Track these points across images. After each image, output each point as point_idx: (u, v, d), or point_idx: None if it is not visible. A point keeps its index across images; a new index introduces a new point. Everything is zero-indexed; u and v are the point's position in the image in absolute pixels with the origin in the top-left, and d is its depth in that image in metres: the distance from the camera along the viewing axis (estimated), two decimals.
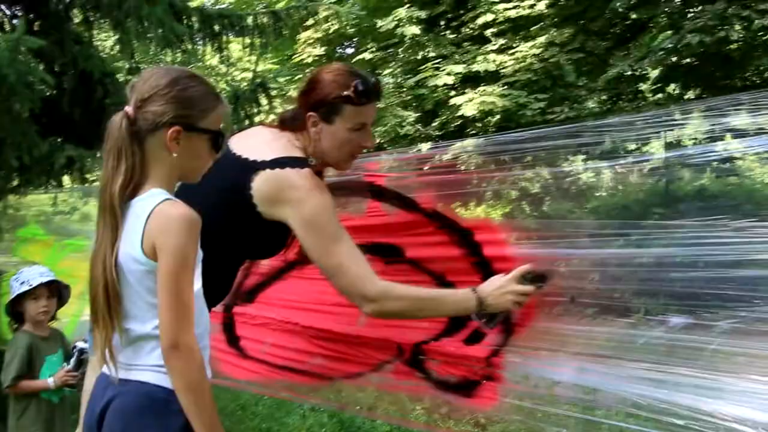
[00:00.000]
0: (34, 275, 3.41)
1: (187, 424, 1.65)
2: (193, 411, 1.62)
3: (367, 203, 2.77)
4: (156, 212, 1.65)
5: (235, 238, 2.28)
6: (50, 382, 3.30)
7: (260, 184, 2.19)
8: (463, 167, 3.65)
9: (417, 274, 2.66)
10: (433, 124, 13.37)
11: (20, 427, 3.31)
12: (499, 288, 2.18)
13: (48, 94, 5.52)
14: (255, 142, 2.33)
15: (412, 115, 13.57)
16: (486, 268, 2.48)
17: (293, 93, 17.75)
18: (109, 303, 1.65)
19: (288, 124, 2.36)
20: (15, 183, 5.31)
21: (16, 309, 3.46)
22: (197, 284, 1.74)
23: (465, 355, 2.50)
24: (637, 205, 12.35)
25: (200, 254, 1.75)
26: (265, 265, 2.98)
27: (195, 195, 2.36)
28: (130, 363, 1.70)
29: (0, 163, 4.70)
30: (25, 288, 3.36)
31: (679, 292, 2.27)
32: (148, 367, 1.68)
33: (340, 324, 2.78)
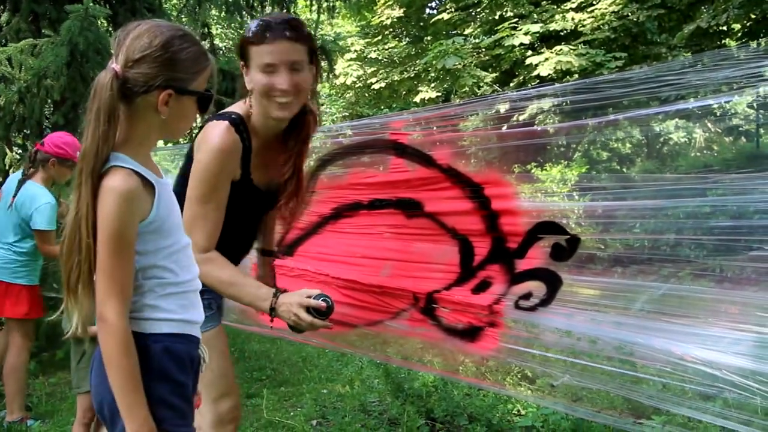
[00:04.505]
0: None
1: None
2: (112, 382, 1.57)
3: (390, 160, 2.89)
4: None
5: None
6: None
7: None
8: (539, 127, 3.66)
9: (434, 228, 2.77)
10: (510, 85, 13.23)
11: (79, 369, 3.49)
12: (292, 305, 2.21)
13: None
14: None
15: (489, 76, 13.45)
16: (493, 221, 2.57)
17: (373, 55, 17.73)
18: (90, 273, 1.59)
19: None
20: None
21: None
22: (174, 241, 1.71)
23: (470, 303, 2.59)
24: (722, 165, 11.91)
25: (176, 211, 1.75)
26: (304, 220, 3.13)
27: None
28: None
29: (75, 127, 5.00)
30: None
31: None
32: None
33: (364, 275, 2.92)
